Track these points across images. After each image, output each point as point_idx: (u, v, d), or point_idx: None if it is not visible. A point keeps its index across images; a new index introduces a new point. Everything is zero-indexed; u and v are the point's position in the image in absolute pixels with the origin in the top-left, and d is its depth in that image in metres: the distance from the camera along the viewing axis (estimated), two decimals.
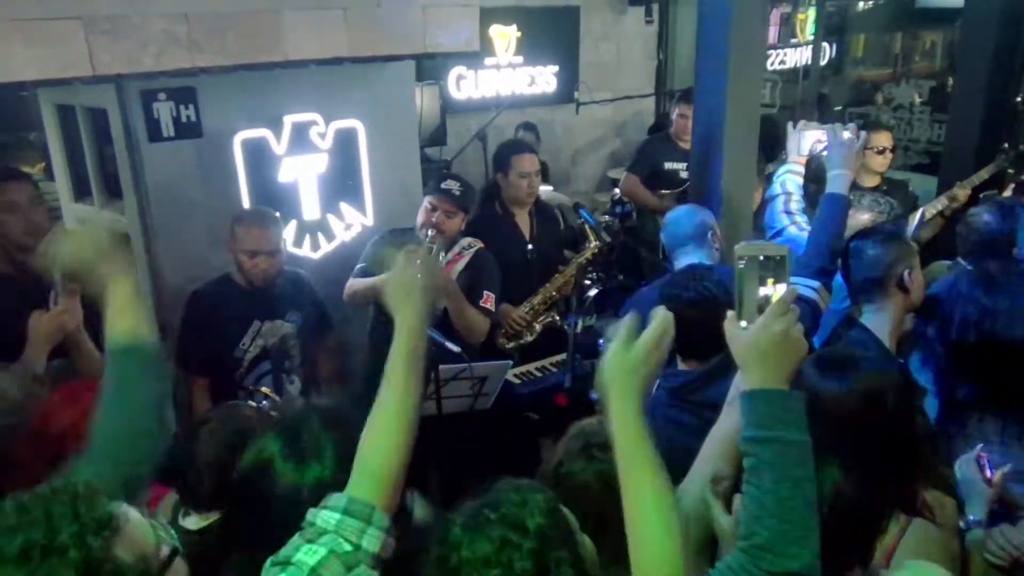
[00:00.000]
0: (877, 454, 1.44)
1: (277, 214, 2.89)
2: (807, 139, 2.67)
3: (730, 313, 1.25)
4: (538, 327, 3.39)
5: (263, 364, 2.78)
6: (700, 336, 1.75)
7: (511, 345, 3.41)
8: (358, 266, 3.09)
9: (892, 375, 1.62)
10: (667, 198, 4.30)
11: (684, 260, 2.60)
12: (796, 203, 2.72)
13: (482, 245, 3.18)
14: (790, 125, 2.78)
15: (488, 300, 3.02)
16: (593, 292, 3.66)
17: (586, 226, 3.43)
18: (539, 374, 3.29)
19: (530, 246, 3.51)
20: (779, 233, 2.71)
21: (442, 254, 2.97)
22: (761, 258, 1.24)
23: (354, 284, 3.03)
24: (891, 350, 2.13)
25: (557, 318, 3.41)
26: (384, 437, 1.27)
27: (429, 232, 2.92)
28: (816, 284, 2.19)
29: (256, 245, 2.71)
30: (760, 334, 1.20)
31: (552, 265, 3.49)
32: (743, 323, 1.23)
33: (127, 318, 1.40)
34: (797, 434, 1.16)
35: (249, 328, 2.77)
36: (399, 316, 1.39)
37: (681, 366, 1.98)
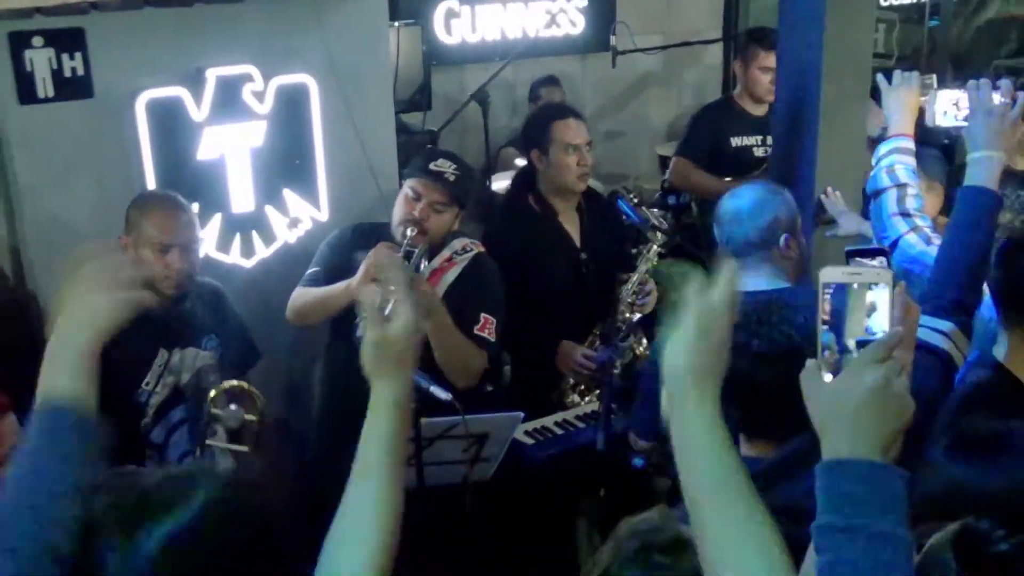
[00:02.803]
0: None
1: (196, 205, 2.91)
2: (939, 102, 2.65)
3: (810, 362, 1.26)
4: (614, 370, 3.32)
5: (175, 411, 2.78)
6: (774, 406, 1.73)
7: (588, 401, 3.38)
8: (309, 271, 3.11)
9: None
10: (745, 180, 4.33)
11: (743, 280, 2.56)
12: (914, 199, 2.67)
13: (482, 249, 3.19)
14: (881, 78, 2.75)
15: (486, 326, 3.03)
16: (636, 316, 3.65)
17: (632, 222, 3.42)
18: (559, 431, 3.29)
19: (583, 255, 3.51)
20: (894, 245, 2.65)
21: (424, 261, 2.98)
22: (855, 286, 1.25)
23: (304, 296, 3.04)
24: None
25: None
26: (356, 553, 1.30)
27: (409, 231, 2.93)
28: (948, 326, 2.15)
29: (165, 236, 2.72)
30: (847, 387, 1.21)
31: (614, 280, 3.43)
32: (827, 376, 1.25)
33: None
34: (893, 525, 1.16)
35: (154, 360, 2.78)
36: (380, 386, 1.41)
37: (746, 450, 1.94)
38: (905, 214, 2.65)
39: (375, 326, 1.44)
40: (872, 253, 1.60)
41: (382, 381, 1.42)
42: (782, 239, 2.53)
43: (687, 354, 1.30)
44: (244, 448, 2.52)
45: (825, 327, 1.26)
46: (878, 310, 1.25)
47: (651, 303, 3.43)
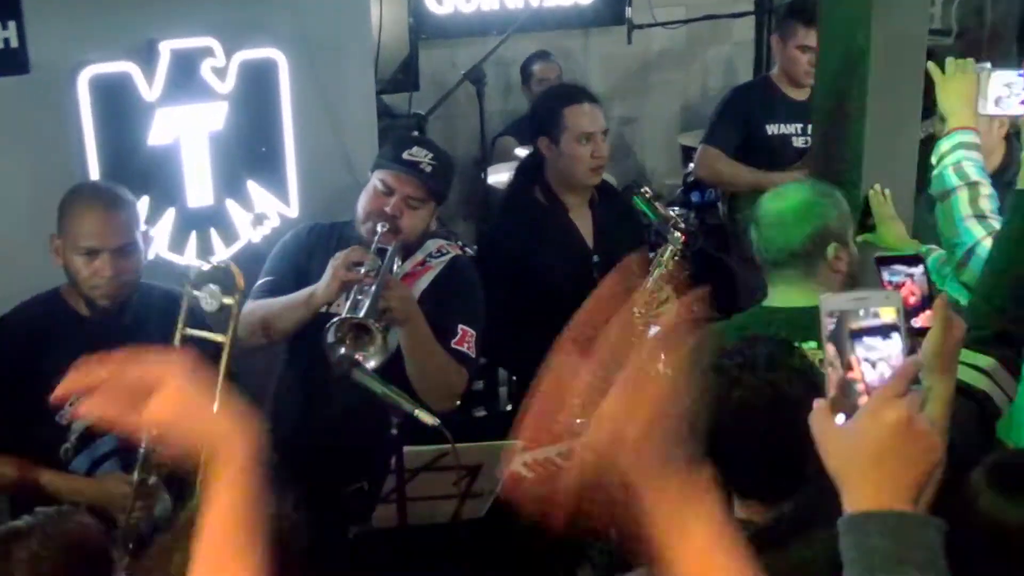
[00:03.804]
0: None
1: (149, 199, 2.88)
2: (992, 86, 2.65)
3: (819, 403, 1.26)
4: None
5: (103, 441, 2.76)
6: (767, 460, 1.76)
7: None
8: (261, 281, 3.10)
9: None
10: (783, 174, 4.33)
11: (780, 295, 2.57)
12: (989, 200, 2.66)
13: (460, 252, 3.19)
14: (932, 67, 2.75)
15: (465, 339, 3.03)
16: (653, 331, 3.63)
17: (648, 221, 3.42)
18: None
19: (595, 257, 3.53)
20: (970, 253, 2.64)
21: (397, 262, 2.98)
22: (861, 312, 1.26)
23: (257, 310, 3.02)
24: None
25: None
26: None
27: (379, 228, 2.93)
28: (988, 362, 2.13)
29: (92, 239, 2.70)
30: (864, 428, 1.22)
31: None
32: (839, 417, 1.25)
33: None
34: None
35: None
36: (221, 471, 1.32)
37: (739, 511, 1.94)
38: (980, 217, 2.65)
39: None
40: (908, 261, 1.60)
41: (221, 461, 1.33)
42: (831, 250, 2.50)
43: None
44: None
45: (829, 362, 1.26)
46: (891, 338, 1.25)
47: (669, 316, 3.42)
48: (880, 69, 3.11)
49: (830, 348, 1.26)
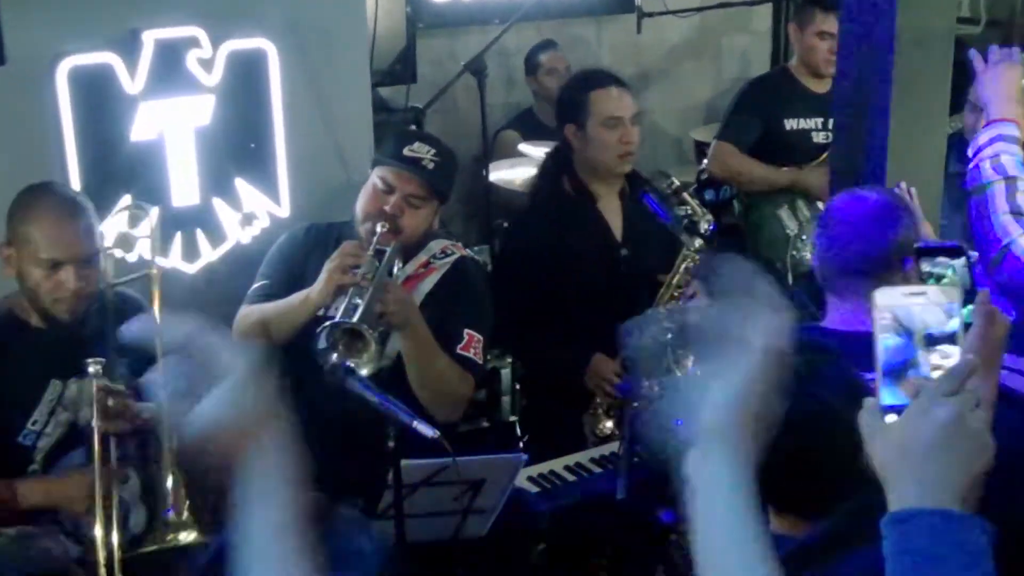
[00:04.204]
0: None
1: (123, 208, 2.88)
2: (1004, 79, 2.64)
3: (869, 401, 1.28)
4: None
5: (72, 455, 2.75)
6: (805, 473, 1.76)
7: (609, 425, 3.42)
8: (256, 285, 3.11)
9: None
10: (802, 171, 4.34)
11: (840, 313, 2.54)
12: None
13: (466, 252, 3.20)
14: (974, 54, 2.74)
15: (471, 344, 3.04)
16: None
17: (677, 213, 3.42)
18: (571, 477, 3.28)
19: (623, 250, 3.55)
20: (1005, 251, 2.63)
21: (398, 264, 2.98)
22: (916, 307, 1.27)
23: (252, 315, 3.05)
24: None
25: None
26: None
27: (378, 227, 2.94)
28: None
29: (56, 250, 2.67)
30: (914, 426, 1.23)
31: (657, 281, 3.46)
32: (889, 415, 1.27)
33: None
34: None
35: (44, 394, 2.74)
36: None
37: (775, 526, 1.95)
38: (1018, 213, 2.64)
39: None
40: (950, 252, 1.60)
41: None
42: (908, 263, 2.44)
43: (725, 408, 1.32)
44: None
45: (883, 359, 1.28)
46: (947, 334, 1.27)
47: None
48: (905, 59, 3.11)
49: (880, 344, 1.27)
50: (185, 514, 2.55)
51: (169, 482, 2.56)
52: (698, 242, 3.34)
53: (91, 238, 2.71)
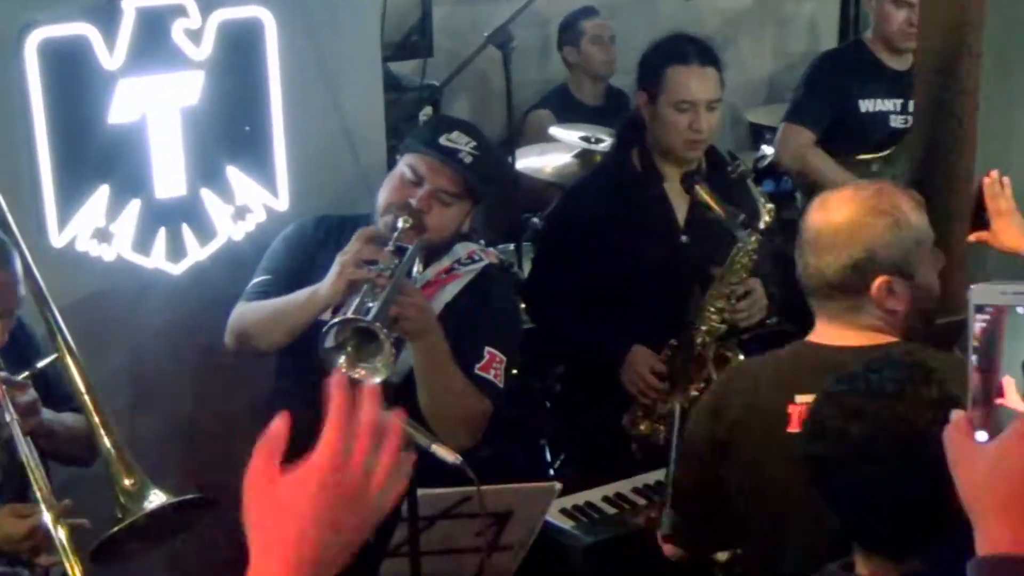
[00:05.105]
0: None
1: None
2: None
3: (958, 416, 1.29)
4: (694, 392, 3.35)
5: None
6: (894, 508, 1.77)
7: (642, 428, 3.45)
8: (256, 280, 3.12)
9: None
10: (870, 164, 4.33)
11: (823, 330, 2.51)
12: None
13: (495, 259, 3.22)
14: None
15: (492, 364, 3.05)
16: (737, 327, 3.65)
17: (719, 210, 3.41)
18: (611, 509, 3.29)
19: (684, 238, 3.58)
20: None
21: (417, 266, 2.99)
22: (1019, 310, 1.27)
23: (250, 312, 3.06)
24: None
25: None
26: None
27: (400, 221, 2.94)
28: None
29: None
30: (1012, 451, 1.23)
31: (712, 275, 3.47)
32: (981, 434, 1.26)
33: None
34: None
35: None
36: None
37: (862, 568, 1.94)
38: None
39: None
40: None
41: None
42: (877, 284, 2.42)
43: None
44: None
45: (977, 367, 1.28)
46: None
47: (755, 312, 3.43)
48: (995, 31, 3.09)
49: (977, 350, 1.28)
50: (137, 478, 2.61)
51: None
52: (752, 239, 3.33)
53: (14, 289, 2.70)
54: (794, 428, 2.31)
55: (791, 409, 2.36)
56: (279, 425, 1.33)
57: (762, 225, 3.38)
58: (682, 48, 3.64)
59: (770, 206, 3.43)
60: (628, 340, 3.48)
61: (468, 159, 3.00)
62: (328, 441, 1.27)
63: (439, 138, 3.02)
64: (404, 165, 3.04)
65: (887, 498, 1.79)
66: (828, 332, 2.49)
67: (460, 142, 3.02)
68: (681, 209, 3.58)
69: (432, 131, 3.08)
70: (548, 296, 3.63)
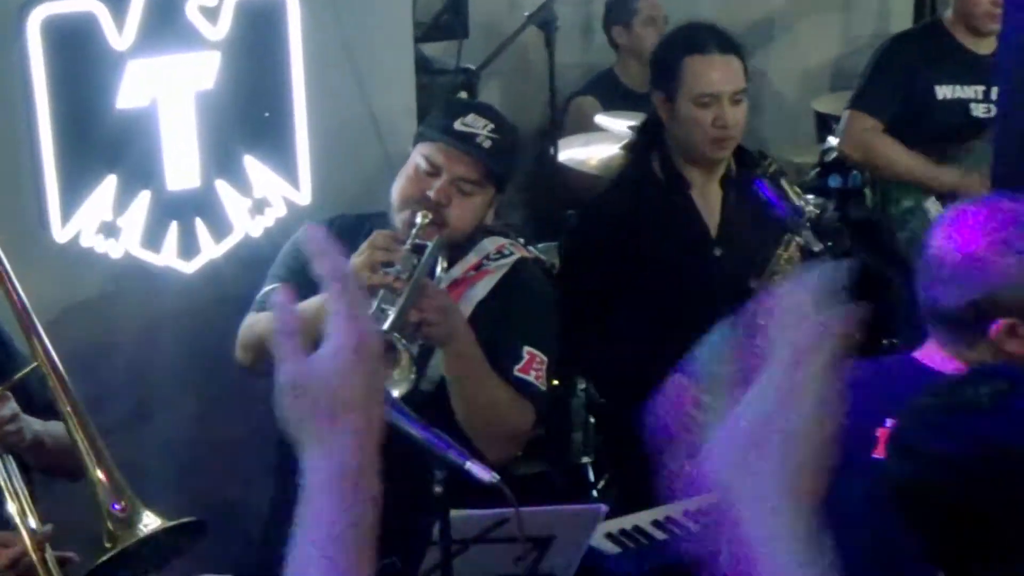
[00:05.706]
0: None
1: None
2: None
3: None
4: None
5: None
6: (986, 535, 1.77)
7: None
8: (266, 289, 3.13)
9: None
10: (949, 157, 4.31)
11: (929, 350, 2.49)
12: None
13: (527, 253, 3.22)
14: None
15: (532, 365, 3.06)
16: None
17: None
18: (660, 534, 3.27)
19: (717, 250, 3.57)
20: None
21: (441, 265, 3.01)
22: None
23: (259, 325, 3.06)
24: None
25: None
26: None
27: (418, 217, 2.94)
28: None
29: None
30: None
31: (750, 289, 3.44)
32: None
33: None
34: None
35: None
36: (312, 453, 1.38)
37: None
38: None
39: (292, 355, 1.43)
40: None
41: (314, 445, 1.38)
42: (998, 327, 2.38)
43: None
44: None
45: None
46: None
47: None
48: None
49: None
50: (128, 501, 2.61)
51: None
52: (818, 246, 3.31)
53: None
54: (879, 454, 2.29)
55: (879, 433, 2.33)
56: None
57: (808, 227, 3.35)
58: (699, 37, 3.63)
59: (811, 208, 3.38)
60: (660, 368, 3.43)
61: (487, 143, 3.00)
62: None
63: (454, 123, 3.02)
64: (418, 155, 3.04)
65: (977, 525, 1.77)
66: (937, 356, 2.47)
67: (477, 125, 3.02)
68: (712, 218, 3.58)
69: (446, 116, 3.07)
70: (576, 325, 3.54)
